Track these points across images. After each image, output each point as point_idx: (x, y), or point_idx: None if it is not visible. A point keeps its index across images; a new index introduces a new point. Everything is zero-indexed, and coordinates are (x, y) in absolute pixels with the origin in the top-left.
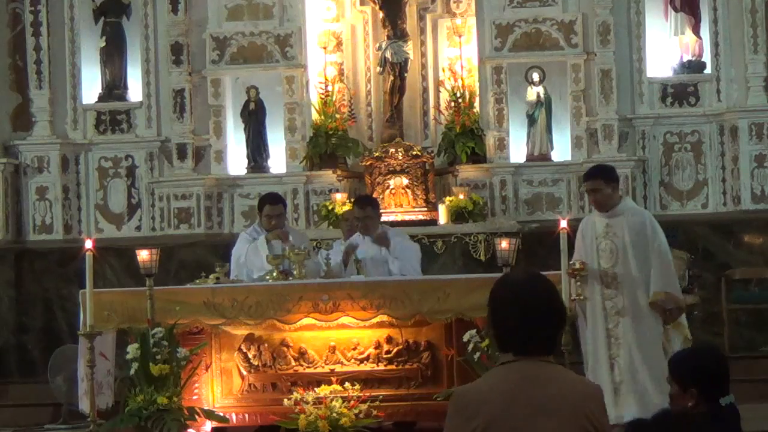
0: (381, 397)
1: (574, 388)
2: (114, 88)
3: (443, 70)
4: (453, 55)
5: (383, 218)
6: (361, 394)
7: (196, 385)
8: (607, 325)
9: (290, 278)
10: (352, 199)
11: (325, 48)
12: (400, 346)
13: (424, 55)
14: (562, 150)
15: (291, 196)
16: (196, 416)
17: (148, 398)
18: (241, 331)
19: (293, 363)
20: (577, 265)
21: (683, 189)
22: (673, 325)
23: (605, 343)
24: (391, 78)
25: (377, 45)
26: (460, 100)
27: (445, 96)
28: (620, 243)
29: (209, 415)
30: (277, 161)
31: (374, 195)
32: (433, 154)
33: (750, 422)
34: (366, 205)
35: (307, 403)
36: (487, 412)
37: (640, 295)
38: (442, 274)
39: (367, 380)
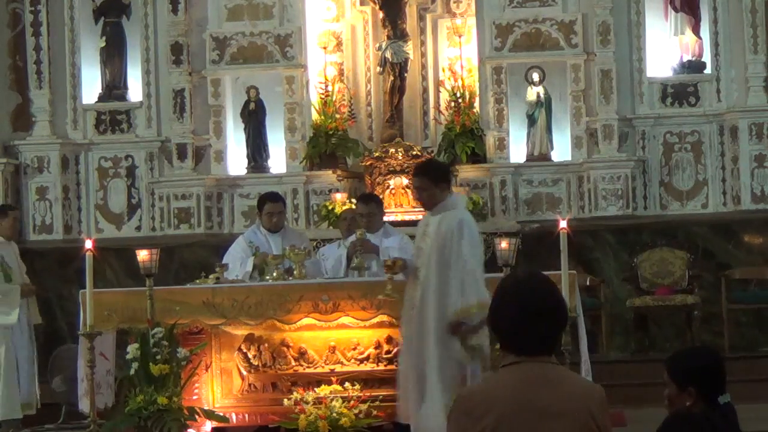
0: (381, 397)
1: (578, 389)
2: (114, 88)
3: (443, 70)
4: (453, 55)
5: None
6: (361, 394)
7: (196, 385)
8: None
9: (290, 278)
10: (353, 199)
11: (325, 48)
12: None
13: (424, 55)
14: (562, 150)
15: (291, 196)
16: (196, 416)
17: (148, 398)
18: (241, 331)
19: (293, 363)
20: (389, 262)
21: (683, 189)
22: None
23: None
24: (391, 78)
25: (377, 45)
26: (460, 100)
27: (445, 96)
28: (430, 245)
29: (209, 415)
30: (277, 161)
31: None
32: (433, 154)
33: (750, 422)
34: (370, 201)
35: (307, 403)
36: (497, 412)
37: (431, 302)
38: None
39: (367, 380)
